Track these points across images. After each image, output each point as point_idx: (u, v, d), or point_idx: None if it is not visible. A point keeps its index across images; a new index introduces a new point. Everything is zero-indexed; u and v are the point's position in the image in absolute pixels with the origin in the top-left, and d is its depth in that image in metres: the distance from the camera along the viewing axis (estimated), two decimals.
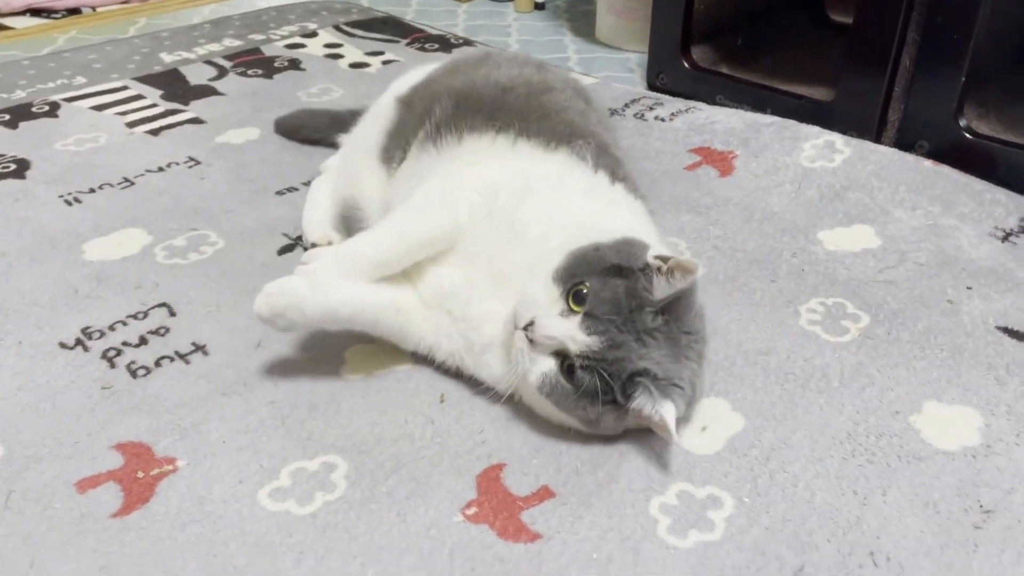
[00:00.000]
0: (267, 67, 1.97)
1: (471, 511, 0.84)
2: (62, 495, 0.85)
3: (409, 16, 2.41)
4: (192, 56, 2.04)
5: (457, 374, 1.00)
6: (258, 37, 2.17)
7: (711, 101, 1.72)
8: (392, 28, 2.25)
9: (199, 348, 1.06)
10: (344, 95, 1.81)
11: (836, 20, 2.05)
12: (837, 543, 0.80)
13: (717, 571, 0.78)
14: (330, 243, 1.22)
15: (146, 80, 1.89)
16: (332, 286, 0.96)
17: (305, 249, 1.25)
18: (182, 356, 1.05)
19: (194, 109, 1.74)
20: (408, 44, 2.14)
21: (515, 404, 0.96)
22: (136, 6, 2.49)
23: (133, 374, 1.02)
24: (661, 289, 0.86)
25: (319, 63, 2.00)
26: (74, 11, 2.44)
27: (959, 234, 1.29)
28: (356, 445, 0.92)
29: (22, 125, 1.66)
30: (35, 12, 2.42)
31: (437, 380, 1.01)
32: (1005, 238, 1.28)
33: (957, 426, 0.94)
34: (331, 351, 1.05)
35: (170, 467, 0.89)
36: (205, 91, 1.84)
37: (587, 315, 0.86)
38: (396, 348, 1.03)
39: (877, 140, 1.52)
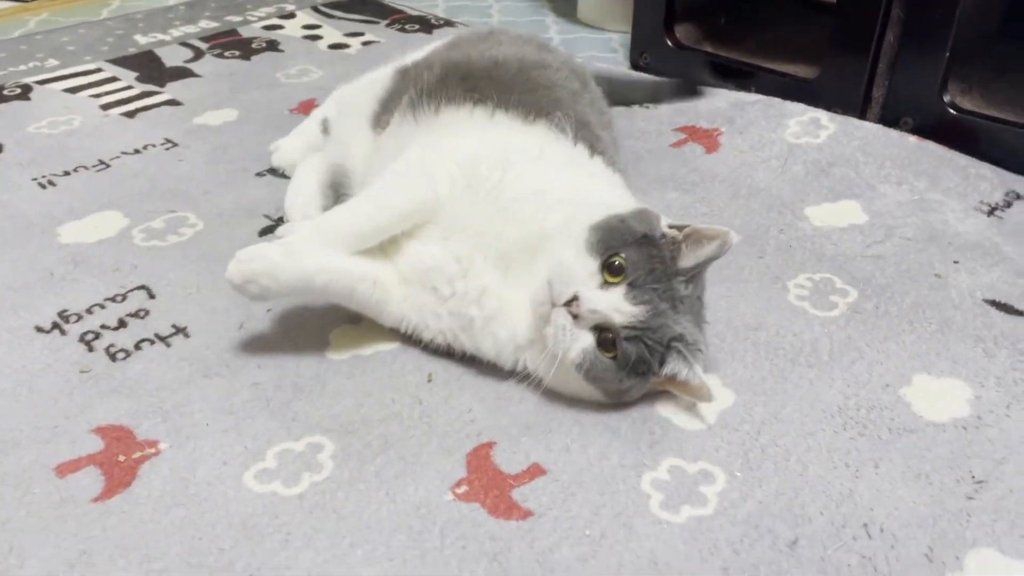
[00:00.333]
0: (244, 48, 1.94)
1: (461, 489, 0.83)
2: (41, 480, 0.83)
3: None
4: (167, 38, 2.00)
5: (447, 353, 0.98)
6: (235, 18, 2.13)
7: (696, 80, 1.71)
8: (371, 9, 2.22)
9: (180, 330, 1.04)
10: (324, 76, 1.78)
11: None
12: (830, 515, 0.80)
13: (711, 546, 0.77)
14: None
15: (120, 62, 1.85)
16: (307, 252, 0.94)
17: None
18: (162, 339, 1.03)
19: (170, 91, 1.71)
20: (388, 25, 2.11)
21: (504, 382, 0.95)
22: None
23: (112, 357, 1.00)
24: (688, 258, 0.88)
25: (297, 44, 1.97)
26: None
27: (945, 209, 1.29)
28: (343, 425, 0.90)
29: None
30: None
31: (424, 360, 0.99)
32: (990, 212, 1.28)
33: (947, 398, 0.94)
34: (315, 332, 1.03)
35: (152, 450, 0.87)
36: (181, 73, 1.80)
37: (630, 285, 0.86)
38: (382, 329, 1.02)
39: (861, 117, 1.51)
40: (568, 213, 0.92)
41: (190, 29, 2.06)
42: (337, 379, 0.97)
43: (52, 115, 1.59)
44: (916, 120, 1.47)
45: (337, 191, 1.22)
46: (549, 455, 0.87)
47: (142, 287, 1.12)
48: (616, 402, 0.91)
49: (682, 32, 1.81)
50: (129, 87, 1.73)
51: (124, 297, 1.10)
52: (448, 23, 2.12)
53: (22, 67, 1.82)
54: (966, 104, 1.46)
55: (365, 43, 1.99)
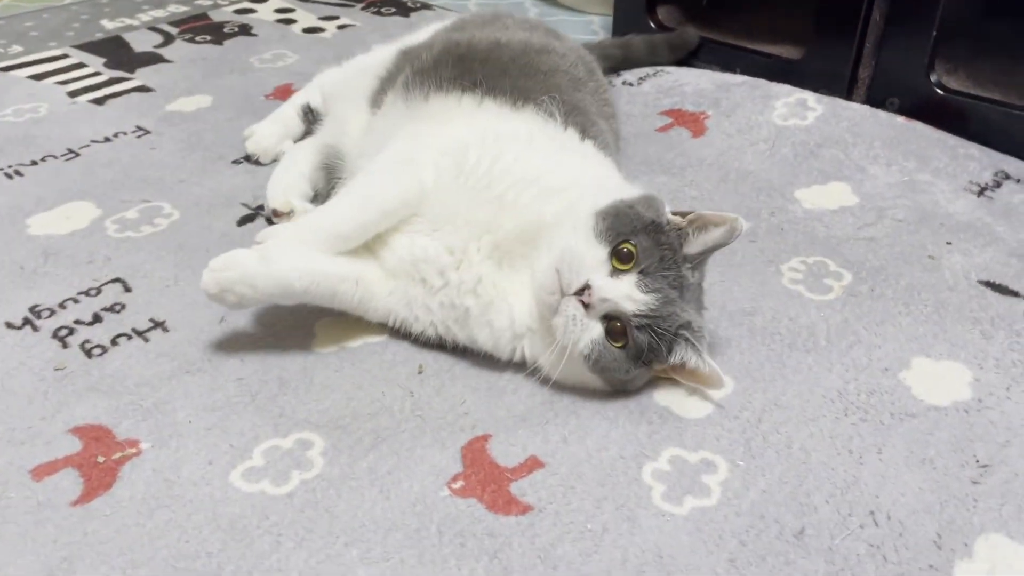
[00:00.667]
0: (216, 33, 1.88)
1: (458, 485, 0.80)
2: (16, 483, 0.79)
3: None
4: (135, 23, 1.94)
5: (438, 345, 0.96)
6: (205, 2, 2.08)
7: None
8: None
9: (158, 324, 1.00)
10: (299, 60, 1.74)
11: None
12: (836, 503, 0.78)
13: (716, 537, 0.75)
14: (291, 211, 1.16)
15: (87, 48, 1.79)
16: (284, 256, 0.91)
17: (267, 220, 1.19)
18: (140, 333, 0.99)
19: (140, 77, 1.66)
20: (363, 8, 2.06)
21: (498, 374, 0.93)
22: None
23: (88, 354, 0.96)
24: (694, 245, 0.87)
25: (271, 28, 1.92)
26: None
27: (935, 190, 1.28)
28: (332, 420, 0.87)
29: None
30: None
31: (414, 351, 0.96)
32: (980, 192, 1.27)
33: (947, 381, 0.93)
34: (300, 324, 1.00)
35: (133, 450, 0.83)
36: (151, 58, 1.75)
37: (642, 273, 0.84)
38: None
39: (848, 98, 1.50)
40: (568, 201, 0.89)
41: (159, 14, 2.00)
42: (324, 372, 0.93)
43: (17, 103, 1.53)
44: (903, 100, 1.46)
45: (330, 173, 1.18)
46: (547, 447, 0.84)
47: (117, 280, 1.08)
48: (620, 390, 0.89)
49: (664, 13, 1.79)
50: (97, 73, 1.67)
51: (98, 291, 1.06)
52: (425, 6, 2.08)
53: None
54: (952, 84, 1.45)
55: (341, 27, 1.94)
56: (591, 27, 2.03)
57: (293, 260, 0.91)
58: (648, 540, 0.75)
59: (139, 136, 1.43)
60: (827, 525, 0.76)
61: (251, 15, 2.00)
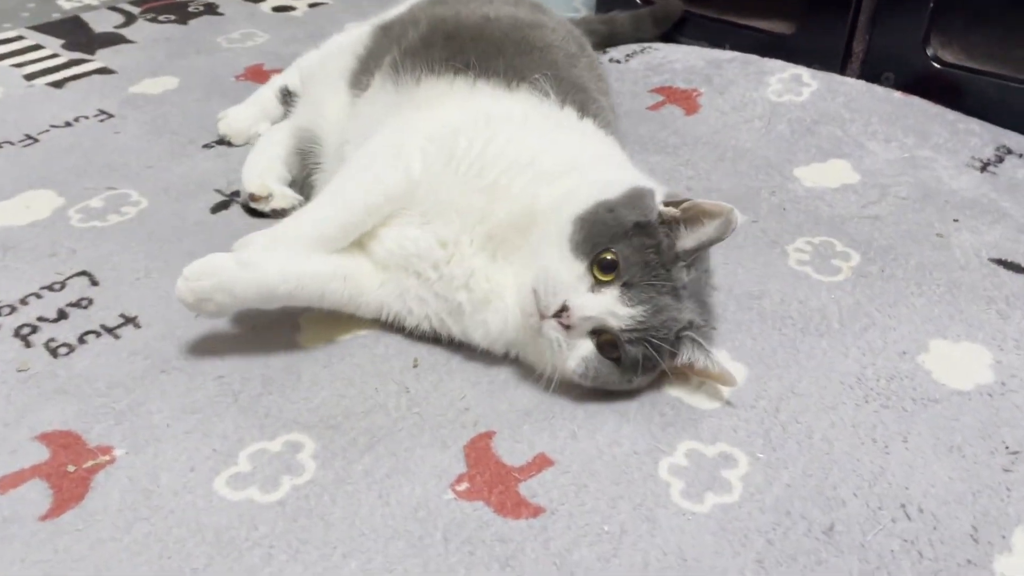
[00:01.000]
0: (180, 12, 1.80)
1: (463, 487, 0.74)
2: None
3: None
4: (94, 2, 1.84)
5: (433, 338, 0.90)
6: None
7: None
8: None
9: (129, 320, 0.93)
10: (270, 40, 1.66)
11: None
12: (865, 496, 0.74)
13: (741, 536, 0.71)
14: (269, 195, 1.10)
15: (43, 29, 1.70)
16: (264, 259, 0.85)
17: (243, 206, 1.12)
18: (110, 330, 0.92)
19: (101, 58, 1.57)
20: None
21: (497, 367, 0.87)
22: None
23: (53, 353, 0.89)
24: (688, 239, 0.80)
25: (238, 7, 1.84)
26: None
27: (936, 166, 1.24)
28: (323, 420, 0.81)
29: None
30: None
31: (408, 344, 0.91)
32: (983, 168, 1.23)
33: (967, 364, 0.89)
34: (283, 317, 0.93)
35: (106, 457, 0.77)
36: (112, 39, 1.66)
37: (624, 285, 0.78)
38: None
39: (841, 73, 1.45)
40: (564, 188, 0.84)
41: None
42: (312, 368, 0.87)
43: None
44: (898, 75, 1.42)
45: (304, 159, 1.12)
46: (555, 443, 0.79)
47: (83, 273, 1.00)
48: (625, 390, 0.84)
49: None
50: (55, 55, 1.58)
51: (63, 285, 0.98)
52: None
53: None
54: (948, 57, 1.41)
55: (312, 4, 1.87)
56: (573, 4, 1.97)
57: (275, 262, 0.85)
58: (670, 541, 0.70)
59: (102, 120, 1.35)
60: (857, 520, 0.72)
61: None
